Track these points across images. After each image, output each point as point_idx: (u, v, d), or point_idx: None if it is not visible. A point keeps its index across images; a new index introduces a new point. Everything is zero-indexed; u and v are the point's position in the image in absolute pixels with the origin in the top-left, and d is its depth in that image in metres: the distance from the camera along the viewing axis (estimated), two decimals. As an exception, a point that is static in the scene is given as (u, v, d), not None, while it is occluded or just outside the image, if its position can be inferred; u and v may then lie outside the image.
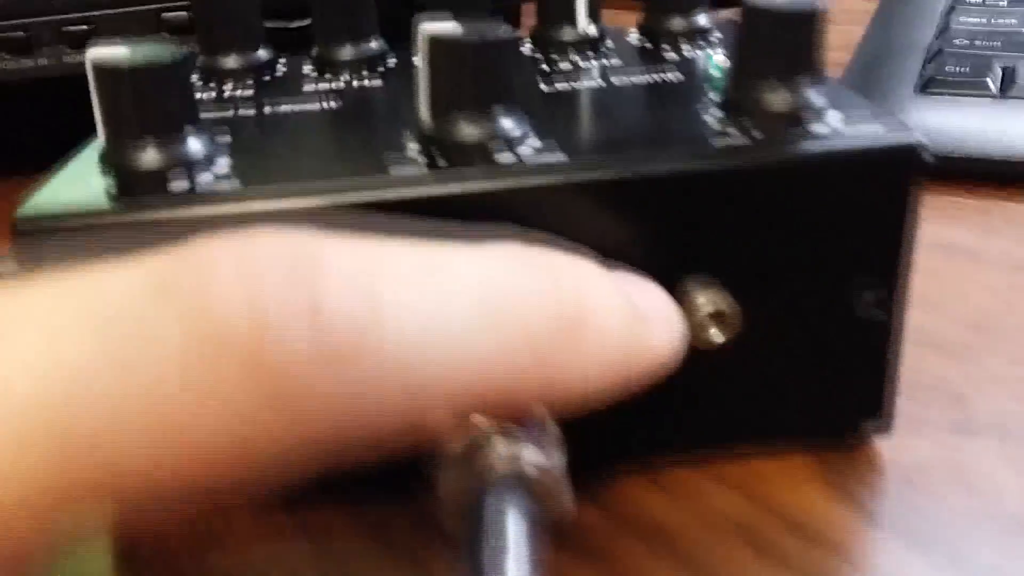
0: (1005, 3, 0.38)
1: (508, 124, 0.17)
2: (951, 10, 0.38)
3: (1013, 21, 0.36)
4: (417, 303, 0.13)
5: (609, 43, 0.24)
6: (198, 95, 0.22)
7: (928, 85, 0.33)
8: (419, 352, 0.13)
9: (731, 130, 0.17)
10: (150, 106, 0.16)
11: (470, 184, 0.16)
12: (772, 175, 0.17)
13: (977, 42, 0.35)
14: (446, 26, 0.17)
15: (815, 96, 0.17)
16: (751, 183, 0.17)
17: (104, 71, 0.16)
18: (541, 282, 0.14)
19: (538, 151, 0.17)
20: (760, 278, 0.17)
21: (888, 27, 0.39)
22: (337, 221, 0.14)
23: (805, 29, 0.17)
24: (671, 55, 0.23)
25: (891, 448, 0.19)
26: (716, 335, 0.17)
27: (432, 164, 0.17)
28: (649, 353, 0.16)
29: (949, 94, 0.32)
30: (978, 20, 0.37)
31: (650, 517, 0.18)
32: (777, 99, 0.17)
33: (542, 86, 0.21)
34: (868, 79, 0.35)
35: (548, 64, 0.23)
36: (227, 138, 0.19)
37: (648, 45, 0.24)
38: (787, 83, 0.17)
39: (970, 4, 0.38)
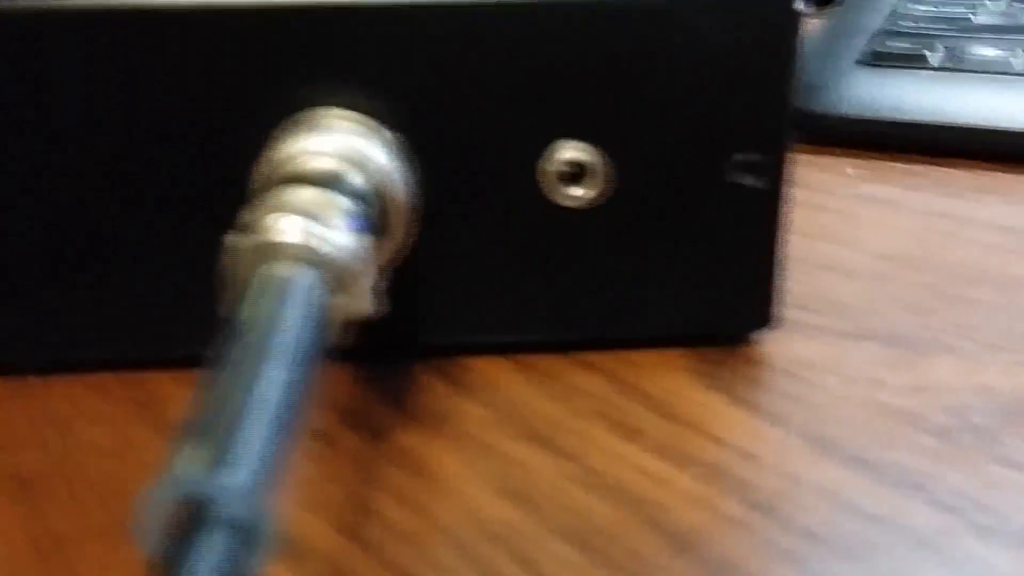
0: (956, -7, 0.38)
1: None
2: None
3: (961, 9, 0.36)
4: None
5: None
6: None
7: (869, 59, 0.32)
8: None
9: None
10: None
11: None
12: (624, 14, 0.16)
13: (923, 24, 0.35)
14: None
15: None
16: (603, 20, 0.16)
17: None
18: None
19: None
20: (627, 133, 0.16)
21: (843, 14, 0.39)
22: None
23: None
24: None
25: (773, 345, 0.18)
26: (573, 190, 0.16)
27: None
28: None
29: (889, 66, 0.32)
30: (927, 8, 0.36)
31: (503, 391, 0.17)
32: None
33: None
34: (815, 54, 0.34)
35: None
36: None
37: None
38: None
39: (923, -6, 0.38)
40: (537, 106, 0.16)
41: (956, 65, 0.31)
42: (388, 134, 0.16)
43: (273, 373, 0.10)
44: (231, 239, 0.12)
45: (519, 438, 0.15)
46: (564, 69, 0.16)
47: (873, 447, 0.15)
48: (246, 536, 0.09)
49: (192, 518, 0.08)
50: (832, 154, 0.30)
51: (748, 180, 0.17)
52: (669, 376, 0.17)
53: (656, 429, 0.16)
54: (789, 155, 0.17)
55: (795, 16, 0.16)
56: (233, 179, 0.15)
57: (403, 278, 0.16)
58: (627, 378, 0.17)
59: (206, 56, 0.15)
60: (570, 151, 0.16)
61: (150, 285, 0.17)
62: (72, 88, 0.15)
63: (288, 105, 0.15)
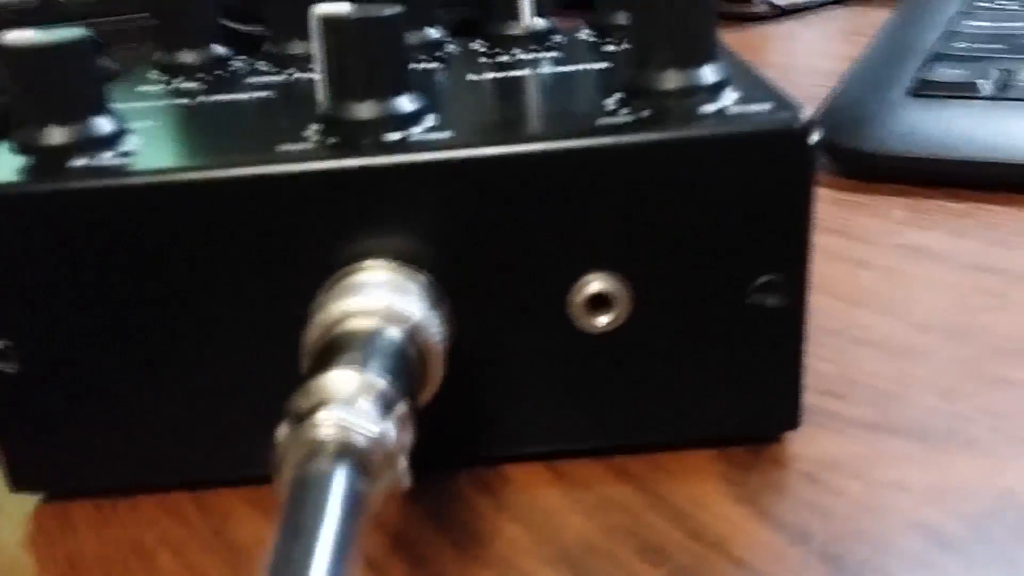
0: (1017, 6, 0.37)
1: (401, 104, 0.17)
2: (960, 14, 0.37)
3: (1021, 24, 0.35)
4: None
5: (557, 38, 0.24)
6: (149, 87, 0.23)
7: (920, 88, 0.32)
8: None
9: (623, 111, 0.17)
10: (52, 89, 0.17)
11: (342, 161, 0.16)
12: (646, 153, 0.16)
13: (978, 45, 0.34)
14: (337, 6, 0.17)
15: (709, 75, 0.17)
16: (626, 161, 0.16)
17: (10, 52, 0.17)
18: None
19: (428, 130, 0.17)
20: (650, 262, 0.17)
21: (896, 31, 0.38)
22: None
23: (694, 11, 0.17)
24: (609, 48, 0.23)
25: (802, 444, 0.19)
26: (600, 319, 0.17)
27: (323, 142, 0.17)
28: None
29: (940, 96, 0.31)
30: (984, 24, 0.36)
31: (539, 505, 0.18)
32: (667, 79, 0.17)
33: (469, 76, 0.21)
34: (865, 82, 0.34)
35: (489, 56, 0.23)
36: (145, 123, 0.19)
37: (594, 39, 0.24)
38: (678, 62, 0.17)
39: (979, 8, 0.37)
40: (564, 244, 0.17)
41: (1008, 94, 0.31)
42: (424, 277, 0.17)
43: (320, 571, 0.11)
44: (280, 432, 0.14)
45: (553, 564, 0.17)
46: (589, 209, 0.17)
47: (889, 567, 0.16)
48: None
49: None
50: (880, 192, 0.30)
51: (769, 300, 0.17)
52: (698, 485, 0.18)
53: (681, 551, 0.17)
54: (806, 272, 0.17)
55: (810, 149, 0.17)
56: (289, 321, 0.17)
57: (442, 401, 0.17)
58: (657, 488, 0.18)
59: (262, 218, 0.17)
60: (596, 283, 0.17)
61: (221, 414, 0.18)
62: (142, 247, 0.17)
63: (334, 258, 0.17)
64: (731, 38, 0.51)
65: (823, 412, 0.20)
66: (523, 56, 0.23)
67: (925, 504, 0.17)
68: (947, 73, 0.32)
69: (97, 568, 0.17)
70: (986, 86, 0.31)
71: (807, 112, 0.17)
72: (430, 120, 0.18)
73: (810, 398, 0.19)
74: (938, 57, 0.34)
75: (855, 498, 0.17)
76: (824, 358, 0.22)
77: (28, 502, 0.19)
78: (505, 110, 0.19)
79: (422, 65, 0.23)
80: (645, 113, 0.17)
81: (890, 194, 0.30)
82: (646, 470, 0.19)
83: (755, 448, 0.19)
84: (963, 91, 0.31)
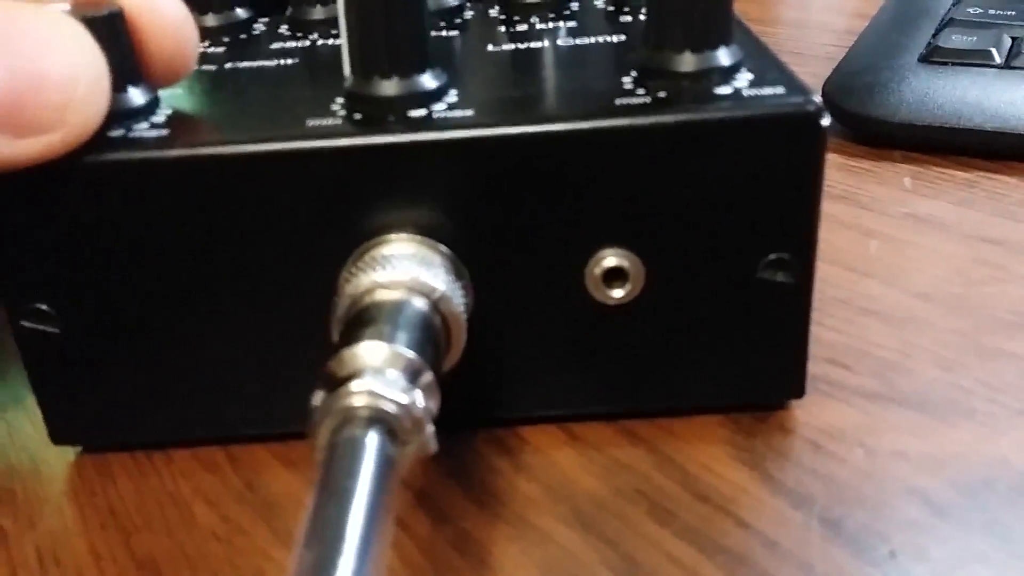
0: (1032, -30, 0.37)
1: (424, 81, 0.18)
2: (974, -23, 0.37)
3: (1035, -12, 0.35)
4: None
5: (573, 6, 0.25)
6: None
7: (932, 54, 0.32)
8: None
9: (639, 91, 0.18)
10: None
11: (369, 138, 0.17)
12: (662, 134, 0.17)
13: (992, 11, 0.34)
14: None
15: (723, 57, 0.18)
16: (642, 141, 0.17)
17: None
18: None
19: (450, 107, 0.18)
20: (665, 239, 0.18)
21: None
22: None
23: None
24: (626, 18, 0.23)
25: (807, 411, 0.20)
26: (615, 291, 0.18)
27: (349, 118, 0.18)
28: None
29: (952, 63, 0.32)
30: (999, -15, 0.36)
31: (555, 467, 0.19)
32: (683, 62, 0.18)
33: (489, 47, 0.22)
34: (877, 46, 0.34)
35: (507, 25, 0.23)
36: (175, 91, 0.20)
37: (611, 8, 0.24)
38: (694, 44, 0.18)
39: (995, -29, 0.37)
40: (581, 219, 0.18)
41: (1019, 62, 0.31)
42: (445, 250, 0.18)
43: (355, 530, 0.12)
44: (315, 398, 0.14)
45: (567, 521, 0.18)
46: (605, 186, 0.17)
47: (886, 531, 0.17)
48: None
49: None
50: (889, 159, 0.31)
51: (779, 277, 0.18)
52: (706, 449, 0.19)
53: (689, 512, 0.18)
54: (814, 249, 0.18)
55: (821, 130, 0.17)
56: (316, 289, 0.18)
57: (463, 366, 0.18)
58: (667, 450, 0.19)
59: (292, 190, 0.17)
60: (612, 258, 0.18)
61: (250, 374, 0.19)
62: (174, 217, 0.18)
63: (360, 229, 0.18)
64: (745, -6, 0.51)
65: (828, 381, 0.21)
66: (540, 25, 0.23)
67: (922, 472, 0.18)
68: (960, 40, 0.32)
69: (137, 516, 0.18)
70: (1000, 53, 0.31)
71: (815, 98, 0.17)
72: (452, 96, 0.18)
73: (816, 367, 0.20)
74: (951, 23, 0.34)
75: (856, 465, 0.18)
76: (830, 327, 0.22)
77: (68, 455, 0.20)
78: (524, 86, 0.19)
79: (442, 32, 0.23)
80: (661, 94, 0.18)
81: (899, 161, 0.31)
82: (657, 434, 0.19)
83: (762, 415, 0.20)
84: (976, 59, 0.31)
